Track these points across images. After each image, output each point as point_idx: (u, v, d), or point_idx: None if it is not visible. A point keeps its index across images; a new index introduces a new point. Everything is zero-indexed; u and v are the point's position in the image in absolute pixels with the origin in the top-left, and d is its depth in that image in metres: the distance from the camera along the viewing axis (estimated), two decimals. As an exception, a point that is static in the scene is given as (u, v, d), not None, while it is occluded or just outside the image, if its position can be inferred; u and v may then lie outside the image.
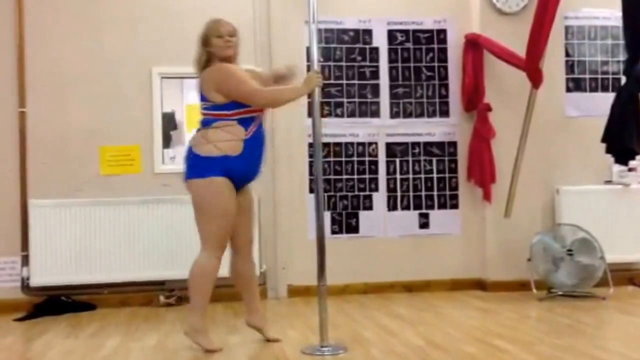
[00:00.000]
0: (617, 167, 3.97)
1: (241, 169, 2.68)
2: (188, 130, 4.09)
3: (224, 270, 3.37)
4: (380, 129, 4.11)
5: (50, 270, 3.69)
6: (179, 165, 4.00)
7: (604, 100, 3.87)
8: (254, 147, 2.70)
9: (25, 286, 3.75)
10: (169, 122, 4.06)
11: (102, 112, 3.89)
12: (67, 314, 3.60)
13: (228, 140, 2.64)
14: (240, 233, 2.80)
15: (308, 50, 3.89)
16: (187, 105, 4.12)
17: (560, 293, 3.70)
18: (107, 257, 3.75)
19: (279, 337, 2.88)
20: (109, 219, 3.76)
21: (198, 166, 2.66)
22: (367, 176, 4.08)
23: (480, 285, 4.07)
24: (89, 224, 3.75)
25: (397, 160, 4.11)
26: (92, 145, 3.87)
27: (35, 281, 3.70)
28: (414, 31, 4.15)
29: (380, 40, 4.13)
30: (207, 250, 2.69)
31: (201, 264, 2.70)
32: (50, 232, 3.71)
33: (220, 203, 2.64)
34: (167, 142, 4.04)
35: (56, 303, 3.66)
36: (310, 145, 3.96)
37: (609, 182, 4.12)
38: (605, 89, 4.18)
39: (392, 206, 4.09)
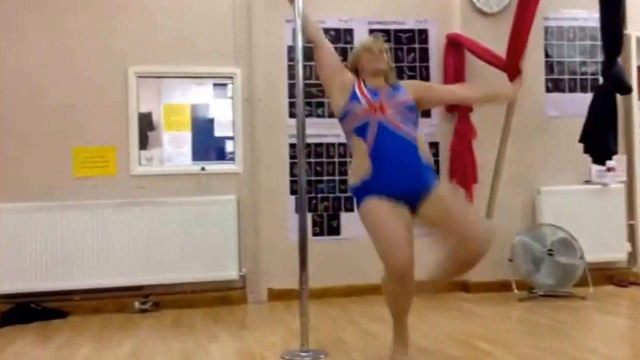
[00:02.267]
0: (596, 167, 4.00)
1: (381, 185, 2.35)
2: (165, 131, 3.99)
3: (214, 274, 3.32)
4: (361, 129, 4.07)
5: (19, 276, 3.56)
6: (156, 167, 3.96)
7: (583, 101, 3.89)
8: (384, 155, 2.36)
9: (-7, 293, 3.61)
10: (146, 123, 3.96)
11: (76, 112, 3.77)
12: (36, 322, 3.46)
13: (354, 164, 2.47)
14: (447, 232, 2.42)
15: (289, 49, 3.85)
16: (165, 105, 4.02)
17: (541, 293, 3.71)
18: (80, 262, 3.63)
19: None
20: (83, 222, 3.65)
21: None
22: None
23: (463, 286, 4.06)
24: (60, 228, 3.62)
25: (379, 161, 4.07)
26: (65, 146, 3.75)
27: (3, 288, 3.56)
28: (396, 31, 4.13)
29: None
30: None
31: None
32: (19, 237, 3.58)
33: (372, 220, 2.38)
34: (143, 143, 3.93)
35: (25, 310, 3.53)
36: (292, 145, 3.93)
37: (588, 182, 4.15)
38: (584, 89, 4.21)
39: (373, 207, 4.05)
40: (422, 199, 2.40)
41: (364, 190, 2.41)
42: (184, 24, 3.90)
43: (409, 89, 2.60)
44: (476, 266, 2.46)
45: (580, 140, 3.57)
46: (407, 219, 2.38)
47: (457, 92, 2.95)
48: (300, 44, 2.75)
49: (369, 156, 2.38)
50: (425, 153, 2.47)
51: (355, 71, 2.62)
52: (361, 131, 2.42)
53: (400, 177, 2.36)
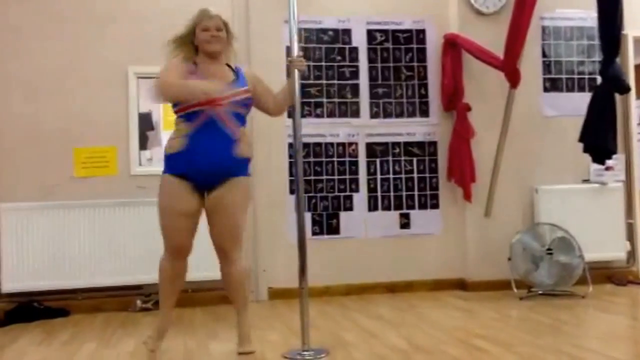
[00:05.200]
0: (595, 167, 4.02)
1: (189, 165, 2.51)
2: (165, 131, 4.01)
3: (214, 274, 3.31)
4: (361, 129, 4.09)
5: (21, 275, 3.58)
6: (156, 167, 3.96)
7: (581, 100, 3.92)
8: (202, 140, 2.50)
9: (-5, 293, 3.63)
10: (146, 123, 3.98)
11: (77, 113, 3.80)
12: (39, 320, 3.49)
13: (173, 138, 2.59)
14: (213, 234, 2.65)
15: (287, 49, 3.87)
16: (164, 105, 4.03)
17: (540, 292, 3.73)
18: (82, 261, 3.65)
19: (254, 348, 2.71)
20: (84, 222, 3.67)
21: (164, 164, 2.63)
22: (347, 177, 4.06)
23: (461, 285, 4.08)
24: (62, 228, 3.65)
25: (378, 160, 4.10)
26: (66, 146, 3.77)
27: (6, 287, 3.59)
28: (393, 31, 4.15)
29: (359, 40, 4.11)
30: (163, 251, 2.64)
31: (159, 264, 2.65)
32: (21, 237, 3.60)
33: (164, 202, 2.57)
34: (143, 143, 3.95)
35: (28, 309, 3.55)
36: (290, 145, 3.94)
37: (586, 181, 4.16)
38: (581, 88, 4.23)
39: (372, 206, 4.07)
40: (218, 184, 2.56)
41: (171, 164, 2.56)
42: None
43: (250, 80, 2.65)
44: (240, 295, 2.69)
45: (580, 140, 3.58)
46: (195, 209, 2.57)
47: (272, 95, 2.79)
48: (296, 45, 2.77)
49: (189, 136, 2.51)
50: (243, 148, 2.60)
51: (191, 43, 2.59)
52: (192, 116, 2.52)
53: (205, 161, 2.51)
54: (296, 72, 2.73)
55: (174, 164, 2.55)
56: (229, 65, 2.68)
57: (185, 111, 2.54)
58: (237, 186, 2.60)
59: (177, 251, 2.61)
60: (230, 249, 2.63)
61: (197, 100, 2.49)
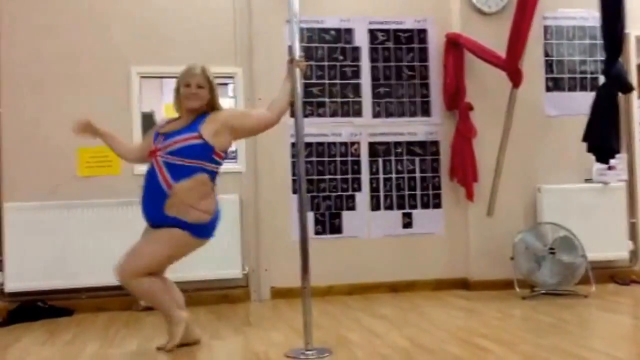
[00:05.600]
0: (597, 166, 4.02)
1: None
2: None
3: (215, 274, 3.31)
4: (363, 128, 4.09)
5: (25, 275, 3.59)
6: (159, 167, 3.98)
7: (583, 100, 3.93)
8: (145, 185, 2.71)
9: (-1, 292, 3.65)
10: (148, 123, 3.99)
11: (80, 112, 3.77)
12: (43, 319, 3.50)
13: None
14: None
15: (289, 49, 3.87)
16: (167, 104, 4.05)
17: (543, 291, 3.72)
18: (85, 260, 3.66)
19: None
20: (87, 221, 3.68)
21: None
22: (350, 176, 4.06)
23: (463, 284, 4.08)
24: (66, 227, 3.66)
25: (380, 160, 4.10)
26: (70, 146, 3.78)
27: (10, 287, 3.60)
28: (395, 31, 4.15)
29: (361, 40, 4.11)
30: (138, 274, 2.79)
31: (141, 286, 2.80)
32: (25, 236, 3.61)
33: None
34: (146, 143, 3.96)
35: (32, 309, 3.56)
36: (293, 145, 3.94)
37: (589, 180, 4.16)
38: (583, 88, 4.23)
39: (375, 206, 4.07)
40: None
41: None
42: (185, 24, 3.93)
43: (208, 124, 2.67)
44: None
45: (584, 139, 3.58)
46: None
47: (252, 115, 2.89)
48: (298, 44, 2.77)
49: (143, 180, 2.74)
50: (173, 206, 2.62)
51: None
52: (150, 162, 2.74)
53: (145, 208, 2.73)
54: (297, 72, 2.74)
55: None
56: (204, 114, 2.73)
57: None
58: (160, 232, 2.68)
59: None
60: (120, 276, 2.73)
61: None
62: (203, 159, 2.64)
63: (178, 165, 2.61)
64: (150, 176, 2.67)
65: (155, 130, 2.80)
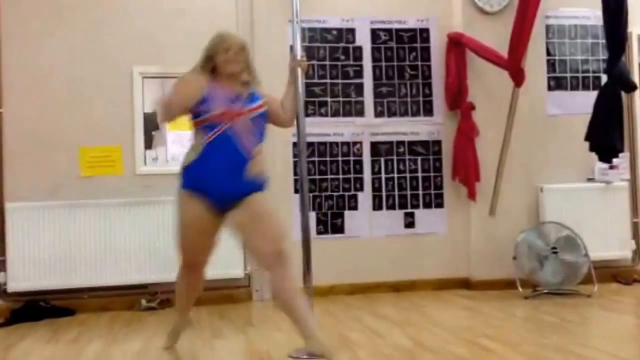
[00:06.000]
0: (599, 165, 4.01)
1: (199, 184, 2.44)
2: (170, 131, 4.02)
3: (218, 273, 3.31)
4: (365, 128, 4.09)
5: (28, 275, 3.60)
6: (161, 167, 3.99)
7: (585, 99, 3.92)
8: (213, 156, 2.42)
9: (2, 292, 3.65)
10: (151, 123, 4.00)
11: (83, 113, 3.82)
12: (46, 319, 3.51)
13: (188, 151, 2.52)
14: (256, 244, 2.49)
15: (291, 49, 3.88)
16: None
17: (545, 291, 3.72)
18: (87, 260, 3.67)
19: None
20: (89, 221, 3.69)
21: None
22: (352, 176, 4.06)
23: (466, 284, 4.08)
24: (68, 227, 3.66)
25: (382, 159, 4.10)
26: (72, 146, 3.79)
27: (13, 286, 3.61)
28: (397, 30, 4.15)
29: (363, 40, 4.11)
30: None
31: (178, 272, 2.69)
32: (28, 236, 3.62)
33: (179, 218, 2.52)
34: (148, 142, 3.97)
35: (34, 308, 3.57)
36: (295, 144, 3.94)
37: (591, 179, 4.15)
38: (586, 87, 4.22)
39: (377, 206, 4.07)
40: (233, 205, 2.46)
41: (187, 177, 2.49)
42: (187, 24, 3.94)
43: (264, 97, 2.59)
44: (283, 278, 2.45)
45: (586, 139, 3.58)
46: (210, 227, 2.51)
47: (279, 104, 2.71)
48: (299, 44, 2.77)
49: (203, 149, 2.44)
50: (256, 167, 2.48)
51: (211, 67, 2.51)
52: (208, 129, 2.45)
53: (217, 180, 2.43)
54: (299, 72, 2.73)
55: (186, 178, 2.49)
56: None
57: (202, 123, 2.46)
58: (254, 199, 2.47)
59: (191, 266, 2.61)
60: (282, 250, 2.44)
61: (191, 102, 2.42)
62: (265, 128, 2.59)
63: (257, 131, 2.52)
64: (222, 143, 2.41)
65: (214, 91, 2.46)
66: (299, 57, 2.75)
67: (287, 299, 2.43)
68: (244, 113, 2.48)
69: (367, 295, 3.94)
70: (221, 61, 2.50)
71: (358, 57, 4.09)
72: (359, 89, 4.09)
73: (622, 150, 3.60)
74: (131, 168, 3.84)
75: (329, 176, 4.04)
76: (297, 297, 2.44)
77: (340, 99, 4.07)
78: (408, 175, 4.11)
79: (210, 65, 2.52)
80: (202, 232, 2.51)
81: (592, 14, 4.12)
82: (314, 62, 4.00)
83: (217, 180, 2.43)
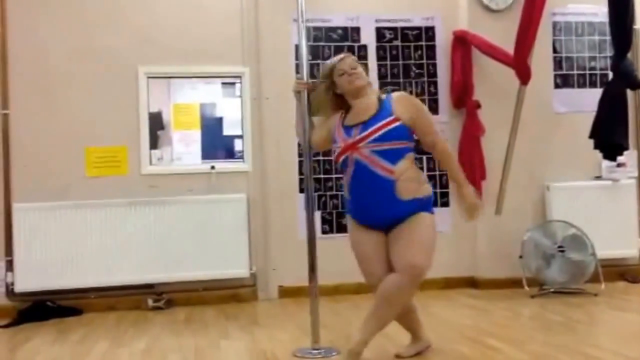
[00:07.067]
0: (606, 163, 3.98)
1: (357, 215, 2.52)
2: (175, 130, 4.03)
3: (223, 273, 3.30)
4: (370, 127, 4.08)
5: (35, 275, 3.62)
6: (166, 167, 4.00)
7: (592, 96, 3.87)
8: (358, 188, 2.47)
9: (9, 292, 3.67)
10: (156, 123, 4.01)
11: (88, 113, 3.83)
12: (52, 319, 3.53)
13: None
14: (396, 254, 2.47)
15: (296, 48, 3.87)
16: (174, 104, 4.06)
17: (552, 290, 3.70)
18: (94, 260, 3.68)
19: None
20: (95, 221, 3.70)
21: None
22: (357, 175, 4.05)
23: (472, 283, 4.07)
24: (74, 227, 3.68)
25: (387, 158, 4.08)
26: (78, 146, 3.80)
27: (20, 286, 3.63)
28: (402, 29, 4.14)
29: (368, 38, 4.10)
30: None
31: None
32: (35, 236, 3.64)
33: (349, 236, 2.62)
34: (154, 142, 3.98)
35: (41, 308, 3.59)
36: (299, 144, 3.94)
37: (598, 177, 4.13)
38: (593, 84, 4.19)
39: (382, 205, 4.06)
40: (393, 227, 2.47)
41: (349, 207, 2.60)
42: (192, 24, 3.94)
43: (399, 106, 2.49)
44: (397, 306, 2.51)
45: (591, 136, 3.55)
46: (378, 241, 2.51)
47: (431, 137, 2.61)
48: (304, 43, 2.77)
49: (349, 185, 2.52)
50: (408, 187, 2.42)
51: (335, 95, 2.58)
52: (343, 164, 2.52)
53: (370, 211, 2.47)
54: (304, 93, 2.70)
55: (349, 208, 2.59)
56: (380, 99, 2.54)
57: (337, 161, 2.54)
58: (416, 221, 2.44)
59: (369, 277, 2.56)
60: (417, 264, 2.44)
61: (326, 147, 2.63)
62: (407, 138, 2.48)
63: (388, 150, 2.42)
64: (361, 174, 2.43)
65: (333, 126, 2.56)
66: (304, 79, 2.72)
67: (382, 295, 2.47)
68: (362, 140, 2.44)
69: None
70: (343, 83, 2.54)
71: (363, 55, 4.08)
72: (364, 87, 4.07)
73: (627, 148, 3.57)
74: (137, 168, 3.85)
75: (334, 175, 4.04)
76: (385, 303, 2.49)
77: (345, 97, 4.06)
78: (413, 174, 4.09)
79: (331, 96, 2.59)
80: (368, 249, 2.53)
81: (599, 11, 4.08)
82: (319, 61, 3.99)
83: (367, 214, 2.49)
